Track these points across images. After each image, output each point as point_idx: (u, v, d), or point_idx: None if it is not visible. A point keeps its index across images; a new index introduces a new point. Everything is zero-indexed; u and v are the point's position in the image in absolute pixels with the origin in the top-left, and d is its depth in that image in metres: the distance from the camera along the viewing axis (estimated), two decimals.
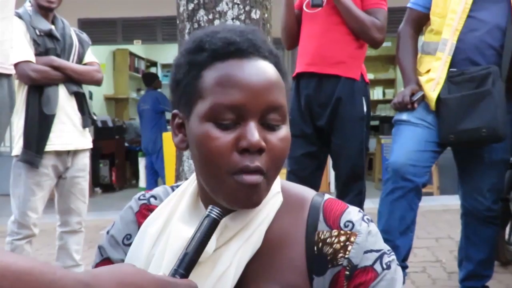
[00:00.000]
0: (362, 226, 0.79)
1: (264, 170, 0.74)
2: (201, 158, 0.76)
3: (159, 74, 11.12)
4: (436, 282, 3.00)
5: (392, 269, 0.79)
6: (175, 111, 0.82)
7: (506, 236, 3.16)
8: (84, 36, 2.84)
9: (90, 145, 2.79)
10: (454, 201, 3.98)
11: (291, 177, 2.60)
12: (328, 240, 0.79)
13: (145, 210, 0.88)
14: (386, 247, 0.81)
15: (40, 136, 2.54)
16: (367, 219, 0.81)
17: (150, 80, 7.11)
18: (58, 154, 2.61)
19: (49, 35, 2.60)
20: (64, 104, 2.61)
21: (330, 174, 6.39)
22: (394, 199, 2.23)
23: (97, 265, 0.89)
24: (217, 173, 0.74)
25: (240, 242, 0.77)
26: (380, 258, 0.78)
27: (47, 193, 2.65)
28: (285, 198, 0.84)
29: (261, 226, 0.79)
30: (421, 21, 2.48)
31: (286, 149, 0.78)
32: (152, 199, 0.90)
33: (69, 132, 2.63)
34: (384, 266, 0.78)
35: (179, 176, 1.89)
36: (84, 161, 2.73)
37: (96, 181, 7.47)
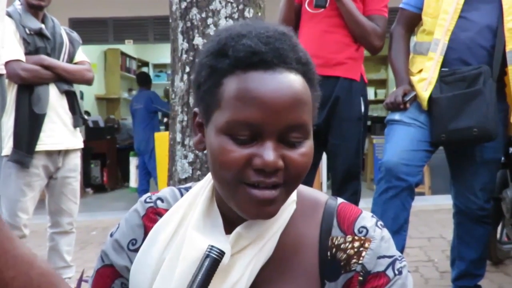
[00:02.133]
0: (376, 232, 0.79)
1: (282, 182, 0.72)
2: (216, 168, 0.73)
3: (151, 74, 11.10)
4: (428, 281, 3.00)
5: (404, 275, 0.79)
6: (196, 109, 0.79)
7: (498, 235, 3.17)
8: (75, 35, 2.81)
9: (81, 145, 2.77)
10: (446, 201, 4.00)
11: None
12: (342, 246, 0.79)
13: (152, 214, 0.85)
14: (397, 253, 0.81)
15: (31, 136, 2.52)
16: (380, 224, 0.81)
17: (144, 80, 7.05)
18: (49, 154, 2.59)
19: (39, 34, 2.58)
20: (55, 103, 2.59)
21: (322, 175, 6.40)
22: (387, 198, 2.23)
23: (97, 270, 0.87)
24: (230, 182, 0.72)
25: (254, 251, 0.76)
26: (392, 264, 0.79)
27: (38, 193, 2.62)
28: (298, 202, 0.82)
29: (275, 235, 0.78)
30: (413, 21, 2.49)
31: (308, 164, 0.74)
32: (159, 202, 0.86)
33: (60, 132, 2.61)
34: (396, 272, 0.79)
35: (172, 176, 1.88)
36: (75, 161, 2.71)
37: (87, 181, 7.43)
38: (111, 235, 0.88)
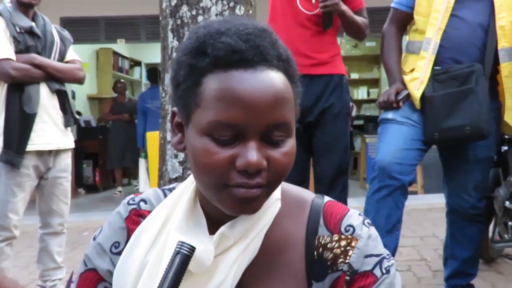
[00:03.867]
0: (363, 230, 0.78)
1: (265, 183, 0.71)
2: (198, 169, 0.72)
3: (143, 73, 11.06)
4: (421, 280, 3.00)
5: (391, 274, 0.79)
6: (175, 109, 0.77)
7: (490, 234, 3.17)
8: (66, 33, 2.78)
9: (72, 145, 2.74)
10: (438, 200, 4.00)
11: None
12: (328, 245, 0.78)
13: (135, 216, 0.83)
14: (385, 252, 0.80)
15: (21, 136, 2.48)
16: (368, 223, 0.80)
17: (157, 76, 6.90)
18: (40, 154, 2.56)
19: (30, 32, 2.55)
20: (46, 102, 2.56)
21: None
22: (381, 197, 2.22)
23: (81, 275, 0.85)
24: (214, 184, 0.71)
25: (239, 251, 0.75)
26: (380, 262, 0.78)
27: (28, 194, 2.59)
28: (284, 200, 0.81)
29: (259, 234, 0.77)
30: (405, 20, 2.48)
31: (290, 163, 0.73)
32: (142, 204, 0.85)
33: (50, 132, 2.57)
34: (384, 271, 0.78)
35: (162, 176, 1.86)
36: (66, 161, 2.68)
37: (79, 181, 7.38)
38: (94, 239, 0.86)
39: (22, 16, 2.54)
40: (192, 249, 0.68)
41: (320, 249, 0.78)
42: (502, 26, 2.26)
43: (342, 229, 0.78)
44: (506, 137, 2.70)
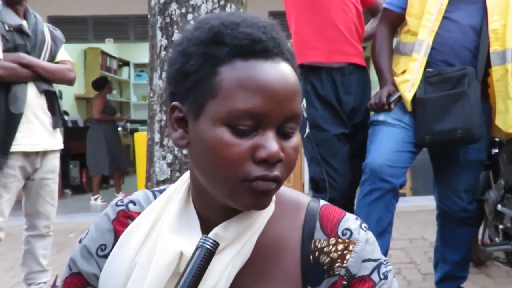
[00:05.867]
0: (361, 234, 0.77)
1: (281, 176, 0.70)
2: (212, 163, 0.69)
3: (132, 73, 11.00)
4: (411, 283, 2.99)
5: (389, 280, 0.77)
6: (175, 103, 0.73)
7: (480, 237, 3.17)
8: (58, 33, 2.74)
9: (60, 146, 2.69)
10: (427, 202, 4.01)
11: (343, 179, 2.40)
12: (325, 249, 0.76)
13: (123, 218, 0.81)
14: (382, 257, 0.79)
15: (6, 136, 2.43)
16: (365, 227, 0.78)
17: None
18: (26, 155, 2.51)
19: (19, 30, 2.50)
20: (33, 103, 2.51)
21: (304, 175, 6.37)
22: (372, 200, 2.20)
23: (65, 280, 0.82)
24: (230, 179, 0.68)
25: (232, 254, 0.72)
26: (378, 267, 0.76)
27: (14, 195, 2.54)
28: (279, 202, 0.79)
29: (253, 236, 0.75)
30: (397, 21, 2.46)
31: (296, 158, 0.72)
32: (131, 205, 0.82)
33: (37, 133, 2.53)
34: (382, 276, 0.76)
35: (150, 178, 1.82)
36: (53, 162, 2.64)
37: (66, 182, 7.29)
38: (80, 241, 0.83)
39: (11, 13, 2.49)
40: (216, 244, 0.65)
41: (316, 253, 0.76)
42: (494, 29, 2.25)
43: (339, 233, 0.76)
44: (497, 139, 2.70)
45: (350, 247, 0.75)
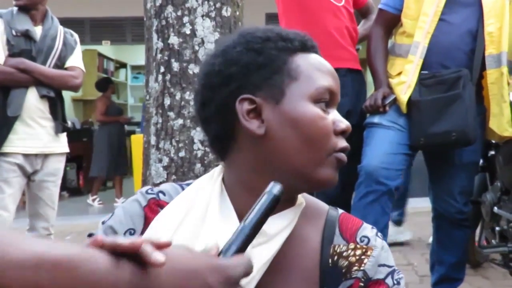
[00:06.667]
0: (377, 241, 0.82)
1: None
2: (304, 137, 0.76)
3: (129, 75, 10.97)
4: (408, 286, 2.99)
5: (401, 286, 0.82)
6: (246, 95, 0.77)
7: (477, 239, 3.17)
8: (72, 38, 2.80)
9: (65, 150, 2.75)
10: (424, 204, 3.99)
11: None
12: (344, 254, 0.80)
13: (154, 205, 0.82)
14: (395, 265, 0.84)
15: None
16: (380, 235, 0.84)
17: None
18: (25, 155, 2.56)
19: (26, 35, 2.56)
20: (32, 107, 2.56)
21: None
22: (368, 203, 2.19)
23: None
24: (322, 149, 0.77)
25: (273, 250, 0.75)
26: (392, 273, 0.81)
27: (18, 191, 2.58)
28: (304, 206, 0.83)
29: (284, 235, 0.77)
30: (392, 22, 2.46)
31: None
32: (160, 195, 0.84)
33: (35, 135, 2.57)
34: (395, 282, 0.81)
35: (146, 180, 1.82)
36: (55, 166, 2.68)
37: (62, 184, 7.24)
38: (103, 223, 0.83)
39: (24, 19, 2.56)
40: (283, 192, 0.67)
41: (335, 257, 0.80)
42: (490, 32, 2.26)
43: (358, 239, 0.81)
44: (493, 142, 2.70)
45: (368, 252, 0.80)
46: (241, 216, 0.76)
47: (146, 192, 0.84)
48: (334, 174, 0.78)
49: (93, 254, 0.51)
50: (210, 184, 0.81)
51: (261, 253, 0.74)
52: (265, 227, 0.71)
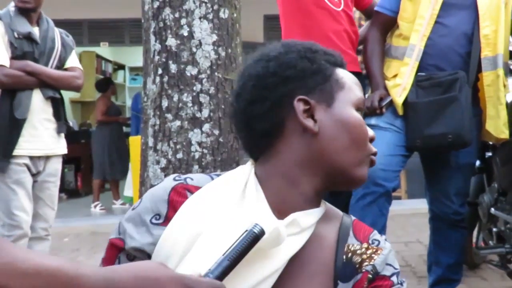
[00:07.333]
0: (386, 244, 0.90)
1: None
2: (351, 137, 0.86)
3: (127, 77, 10.96)
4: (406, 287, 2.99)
5: (404, 287, 0.89)
6: (301, 96, 0.86)
7: (474, 240, 3.18)
8: (69, 39, 2.82)
9: (64, 151, 2.78)
10: (422, 205, 3.99)
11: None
12: (358, 251, 0.88)
13: (181, 189, 0.86)
14: (399, 269, 0.91)
15: (8, 140, 2.51)
16: (387, 240, 0.92)
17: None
18: (30, 157, 2.58)
19: (28, 38, 2.56)
20: (38, 109, 2.58)
21: None
22: (365, 204, 2.20)
23: (110, 240, 0.86)
24: (363, 150, 0.87)
25: (299, 242, 0.82)
26: (397, 274, 0.89)
27: (30, 190, 2.59)
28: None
29: (311, 230, 0.85)
30: (389, 25, 2.47)
31: None
32: (188, 179, 0.88)
33: (40, 138, 2.59)
34: (399, 281, 0.88)
35: (144, 182, 1.82)
36: (55, 166, 2.70)
37: (61, 186, 7.21)
38: (133, 209, 0.87)
39: (23, 21, 2.56)
40: (263, 233, 0.73)
41: (350, 254, 0.87)
42: (486, 34, 2.26)
43: (370, 241, 0.89)
44: (490, 143, 2.71)
45: (378, 251, 0.88)
46: (271, 205, 0.84)
47: (174, 178, 0.88)
48: (365, 173, 0.88)
49: (73, 263, 0.64)
50: (244, 174, 0.87)
51: (294, 242, 0.81)
52: (299, 220, 0.82)
